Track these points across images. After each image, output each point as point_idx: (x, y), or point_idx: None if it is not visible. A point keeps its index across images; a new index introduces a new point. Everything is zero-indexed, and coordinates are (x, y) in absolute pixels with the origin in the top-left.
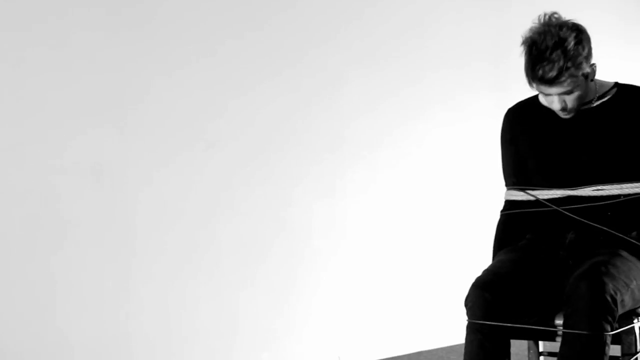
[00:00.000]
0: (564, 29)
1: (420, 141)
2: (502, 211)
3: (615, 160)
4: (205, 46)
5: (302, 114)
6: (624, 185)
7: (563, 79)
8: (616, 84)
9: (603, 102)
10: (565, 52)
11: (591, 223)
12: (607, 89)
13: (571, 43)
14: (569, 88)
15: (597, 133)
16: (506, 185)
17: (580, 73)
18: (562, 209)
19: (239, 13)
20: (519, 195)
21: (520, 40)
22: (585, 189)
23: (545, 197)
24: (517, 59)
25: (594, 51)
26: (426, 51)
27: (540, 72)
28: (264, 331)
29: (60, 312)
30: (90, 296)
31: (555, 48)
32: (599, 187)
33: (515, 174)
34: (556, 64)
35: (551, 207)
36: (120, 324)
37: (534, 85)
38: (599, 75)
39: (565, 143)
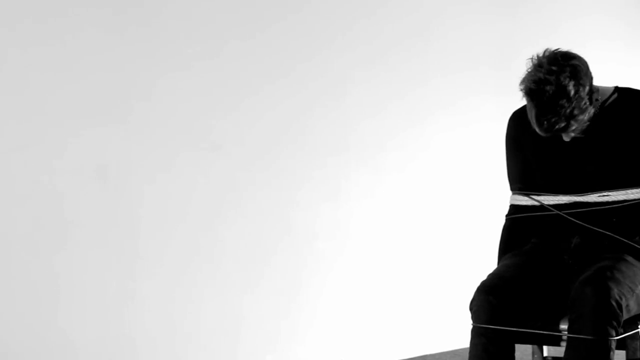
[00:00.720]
0: (562, 76)
1: (425, 145)
2: (507, 215)
3: (620, 166)
4: (211, 47)
5: (307, 117)
6: (629, 191)
7: (572, 127)
8: (616, 89)
9: (605, 107)
10: (569, 100)
11: (595, 228)
12: (608, 94)
13: (572, 91)
14: (578, 128)
15: (601, 139)
16: (511, 189)
17: (587, 115)
18: (566, 213)
19: (244, 14)
20: (524, 200)
21: (525, 50)
22: (591, 195)
23: (551, 202)
24: (522, 64)
25: (596, 55)
26: (431, 55)
27: (546, 124)
28: (268, 333)
29: (63, 313)
30: (94, 297)
31: (557, 98)
32: (605, 193)
33: (520, 179)
34: (562, 116)
35: (556, 212)
36: (124, 325)
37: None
38: (600, 80)
39: (570, 149)
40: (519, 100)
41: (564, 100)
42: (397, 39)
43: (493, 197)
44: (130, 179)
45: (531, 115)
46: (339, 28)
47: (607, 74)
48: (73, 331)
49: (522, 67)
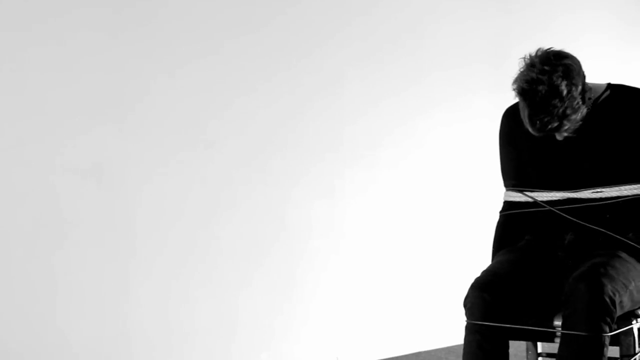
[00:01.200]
0: (554, 76)
1: (419, 141)
2: (501, 212)
3: (613, 163)
4: (206, 46)
5: (302, 114)
6: (622, 187)
7: (565, 127)
8: (609, 85)
9: (598, 105)
10: (561, 100)
11: (589, 224)
12: (600, 91)
13: (564, 91)
14: (570, 128)
15: (594, 136)
16: (505, 186)
17: (579, 115)
18: (559, 209)
19: (239, 13)
20: (517, 196)
21: (519, 46)
22: (584, 191)
23: (544, 198)
24: (517, 61)
25: (591, 51)
26: (426, 52)
27: (539, 124)
28: (263, 331)
29: (60, 312)
30: (90, 296)
31: (550, 98)
32: (598, 190)
33: (514, 176)
34: (555, 116)
35: (549, 208)
36: (120, 324)
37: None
38: (596, 76)
39: (564, 145)
40: (513, 97)
41: (557, 100)
42: (391, 36)
43: (487, 193)
44: (127, 178)
45: (524, 115)
46: (334, 25)
47: (602, 70)
48: (70, 329)
49: (516, 64)
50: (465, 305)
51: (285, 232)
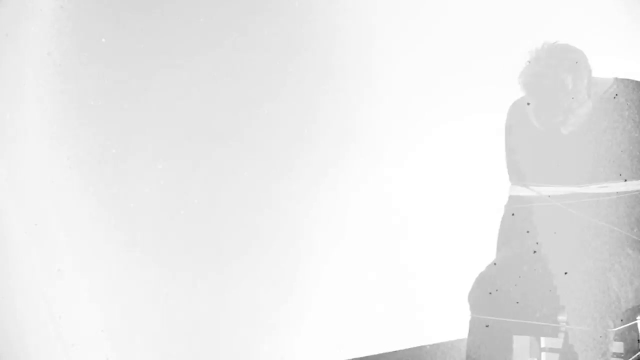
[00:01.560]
0: (560, 70)
1: (424, 136)
2: (506, 206)
3: (619, 157)
4: (210, 40)
5: (304, 108)
6: (628, 182)
7: (570, 121)
8: (615, 80)
9: (603, 98)
10: (567, 94)
11: (595, 219)
12: (606, 85)
13: (570, 85)
14: (576, 122)
15: (600, 130)
16: (510, 180)
17: (585, 109)
18: (565, 204)
19: (243, 5)
20: (523, 191)
21: (525, 40)
22: (590, 186)
23: (550, 193)
24: (525, 55)
25: (598, 45)
26: (433, 45)
27: (544, 117)
28: (264, 324)
29: (58, 308)
30: (90, 290)
31: (555, 92)
32: (604, 185)
33: (519, 170)
34: (561, 109)
35: (555, 203)
36: (119, 318)
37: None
38: (601, 71)
39: (569, 140)
40: (519, 91)
41: (562, 94)
42: (397, 28)
43: (492, 188)
44: (127, 172)
45: (530, 109)
46: (339, 18)
47: (608, 65)
48: (69, 324)
49: (523, 57)
50: (469, 300)
51: (288, 226)
